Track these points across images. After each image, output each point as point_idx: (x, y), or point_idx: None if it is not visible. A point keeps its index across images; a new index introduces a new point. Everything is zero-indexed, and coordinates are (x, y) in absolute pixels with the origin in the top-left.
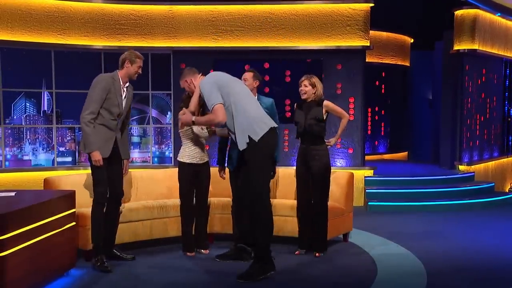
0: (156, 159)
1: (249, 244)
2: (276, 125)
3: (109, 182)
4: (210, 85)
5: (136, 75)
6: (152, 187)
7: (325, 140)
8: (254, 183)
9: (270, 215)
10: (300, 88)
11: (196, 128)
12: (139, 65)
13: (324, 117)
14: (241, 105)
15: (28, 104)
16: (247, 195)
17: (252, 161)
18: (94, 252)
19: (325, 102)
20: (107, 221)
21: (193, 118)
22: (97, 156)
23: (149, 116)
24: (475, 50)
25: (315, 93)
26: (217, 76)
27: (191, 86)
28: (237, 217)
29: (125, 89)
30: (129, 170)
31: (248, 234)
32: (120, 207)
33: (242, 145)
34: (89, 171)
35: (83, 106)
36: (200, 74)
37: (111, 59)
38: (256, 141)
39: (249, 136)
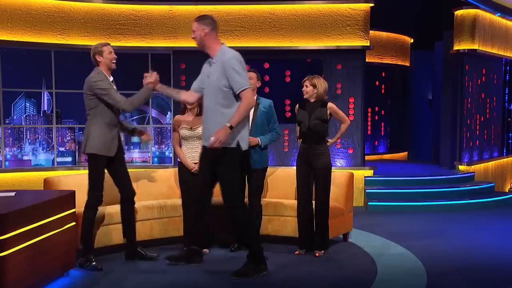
0: (156, 159)
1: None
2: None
3: (118, 184)
4: (241, 65)
5: (114, 61)
6: (152, 187)
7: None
8: (234, 190)
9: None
10: (302, 89)
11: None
12: (109, 51)
13: (328, 118)
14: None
15: (28, 104)
16: (225, 201)
17: (229, 168)
18: (82, 252)
19: (330, 104)
20: (127, 222)
21: (228, 124)
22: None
23: (149, 116)
24: (475, 50)
25: (316, 93)
26: (241, 59)
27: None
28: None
29: (113, 83)
30: (129, 170)
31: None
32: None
33: (229, 141)
34: (87, 171)
35: (112, 102)
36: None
37: None
38: (243, 149)
39: (238, 142)
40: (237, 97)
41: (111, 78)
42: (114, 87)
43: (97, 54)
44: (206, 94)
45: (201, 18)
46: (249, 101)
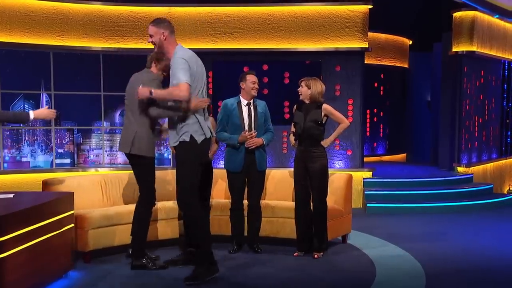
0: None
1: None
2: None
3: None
4: (183, 61)
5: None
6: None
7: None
8: (184, 185)
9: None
10: (298, 89)
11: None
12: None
13: (324, 121)
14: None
15: (27, 106)
16: (177, 196)
17: (182, 162)
18: (141, 253)
19: (324, 106)
20: (144, 222)
21: (152, 89)
22: None
23: None
24: (474, 51)
25: (310, 94)
26: (190, 60)
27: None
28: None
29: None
30: (127, 172)
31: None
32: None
33: (174, 140)
34: (85, 173)
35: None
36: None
37: (110, 60)
38: (198, 143)
39: (191, 135)
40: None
41: None
42: None
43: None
44: None
45: (159, 22)
46: (176, 92)
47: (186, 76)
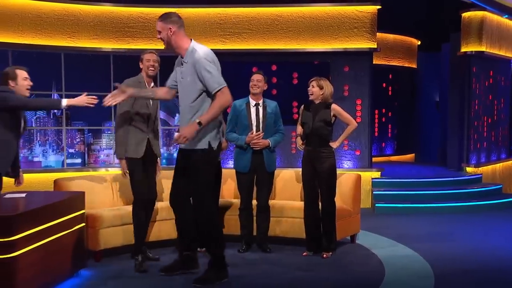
0: (164, 160)
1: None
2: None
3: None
4: (213, 64)
5: (152, 69)
6: (160, 188)
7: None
8: (201, 189)
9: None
10: (308, 89)
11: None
12: (147, 58)
13: (332, 121)
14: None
15: None
16: (192, 199)
17: (197, 168)
18: (136, 252)
19: (333, 106)
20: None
21: (198, 120)
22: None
23: None
24: (482, 52)
25: (322, 94)
26: (213, 56)
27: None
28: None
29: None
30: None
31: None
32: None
33: (191, 144)
34: (96, 172)
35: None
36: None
37: (120, 61)
38: (215, 148)
39: (209, 142)
40: (213, 97)
41: (152, 84)
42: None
43: (140, 61)
44: (180, 95)
45: (166, 17)
46: (224, 99)
47: (220, 77)
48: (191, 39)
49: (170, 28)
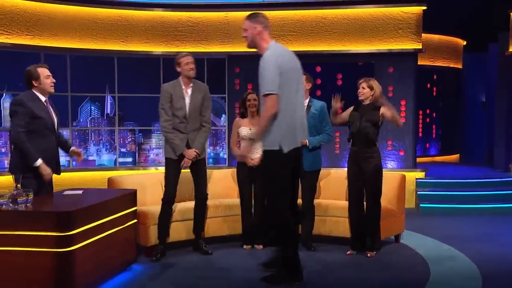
0: (211, 160)
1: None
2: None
3: (194, 182)
4: (273, 67)
5: (191, 71)
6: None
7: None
8: (272, 192)
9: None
10: (358, 90)
11: (247, 132)
12: (185, 62)
13: (380, 122)
14: (291, 104)
15: (93, 108)
16: (267, 202)
17: (270, 173)
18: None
19: (383, 109)
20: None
21: (251, 137)
22: None
23: None
24: None
25: (372, 95)
26: (282, 58)
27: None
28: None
29: (188, 91)
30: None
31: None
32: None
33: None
34: (146, 171)
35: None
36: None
37: (170, 64)
38: (285, 152)
39: (279, 145)
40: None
41: (191, 85)
42: (186, 97)
43: (177, 65)
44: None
45: (253, 16)
46: (267, 108)
47: (272, 83)
48: (272, 40)
49: (255, 27)
